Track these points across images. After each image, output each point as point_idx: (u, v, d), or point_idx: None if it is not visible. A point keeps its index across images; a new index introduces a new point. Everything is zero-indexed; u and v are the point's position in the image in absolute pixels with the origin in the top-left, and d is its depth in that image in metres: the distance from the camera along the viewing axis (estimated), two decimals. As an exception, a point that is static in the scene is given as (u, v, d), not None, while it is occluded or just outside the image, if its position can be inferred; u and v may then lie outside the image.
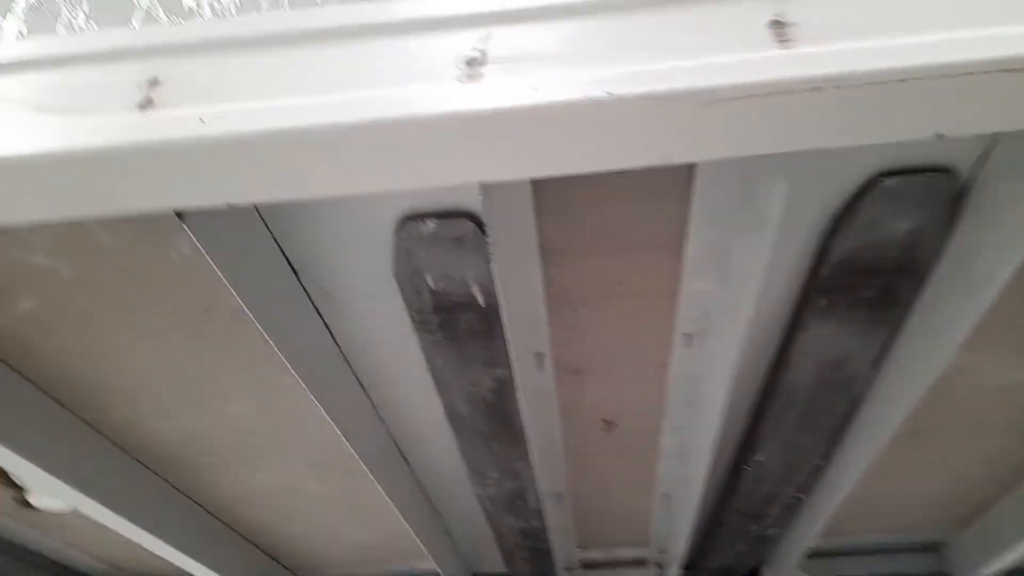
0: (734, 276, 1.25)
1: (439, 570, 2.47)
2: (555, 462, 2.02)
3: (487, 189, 1.11)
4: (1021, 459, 2.03)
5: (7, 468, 1.64)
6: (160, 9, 1.20)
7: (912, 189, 1.10)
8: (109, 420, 1.78)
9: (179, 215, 0.95)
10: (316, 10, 0.90)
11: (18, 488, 2.04)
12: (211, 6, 1.18)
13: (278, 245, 1.24)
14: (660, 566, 2.81)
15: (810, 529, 2.17)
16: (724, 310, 1.34)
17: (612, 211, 1.22)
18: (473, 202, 1.12)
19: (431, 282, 1.27)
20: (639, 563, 2.84)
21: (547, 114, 0.78)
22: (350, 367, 1.58)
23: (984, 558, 2.39)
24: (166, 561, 2.22)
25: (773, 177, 1.04)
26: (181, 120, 0.82)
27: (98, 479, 1.79)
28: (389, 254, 1.25)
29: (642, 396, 1.68)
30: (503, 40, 0.84)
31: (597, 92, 0.77)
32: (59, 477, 1.63)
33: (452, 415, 1.68)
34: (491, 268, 1.21)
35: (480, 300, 1.30)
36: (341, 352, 1.52)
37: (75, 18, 1.22)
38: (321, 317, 1.42)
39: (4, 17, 1.23)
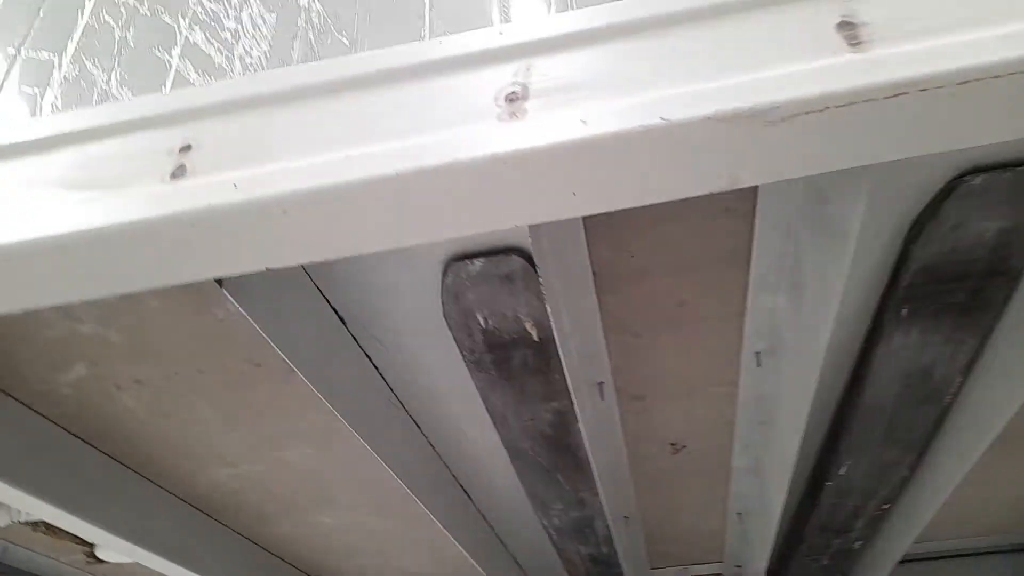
0: (808, 290, 1.16)
1: (508, 600, 2.41)
2: (622, 487, 1.95)
3: (535, 223, 1.05)
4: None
5: (74, 532, 1.64)
6: (191, 67, 1.18)
7: (1000, 186, 1.00)
8: (168, 473, 1.78)
9: (218, 281, 0.92)
10: (347, 58, 0.86)
11: (88, 544, 2.06)
12: (241, 60, 1.16)
13: (324, 296, 1.21)
14: (737, 582, 2.70)
15: (901, 541, 2.04)
16: (797, 326, 1.25)
17: (669, 231, 1.14)
18: (521, 237, 1.06)
19: (482, 321, 1.21)
20: (715, 579, 2.73)
21: (598, 148, 0.72)
22: (405, 409, 1.53)
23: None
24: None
25: (849, 187, 0.95)
26: (214, 187, 0.78)
27: (160, 532, 1.79)
28: (437, 296, 1.20)
29: (710, 417, 1.59)
30: (544, 71, 0.78)
31: (651, 119, 0.71)
32: (121, 536, 1.62)
33: (512, 450, 1.62)
34: (544, 302, 1.15)
35: (534, 335, 1.24)
36: (395, 395, 1.48)
37: (109, 85, 1.21)
38: (372, 363, 1.38)
39: (42, 92, 1.23)
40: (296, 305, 1.15)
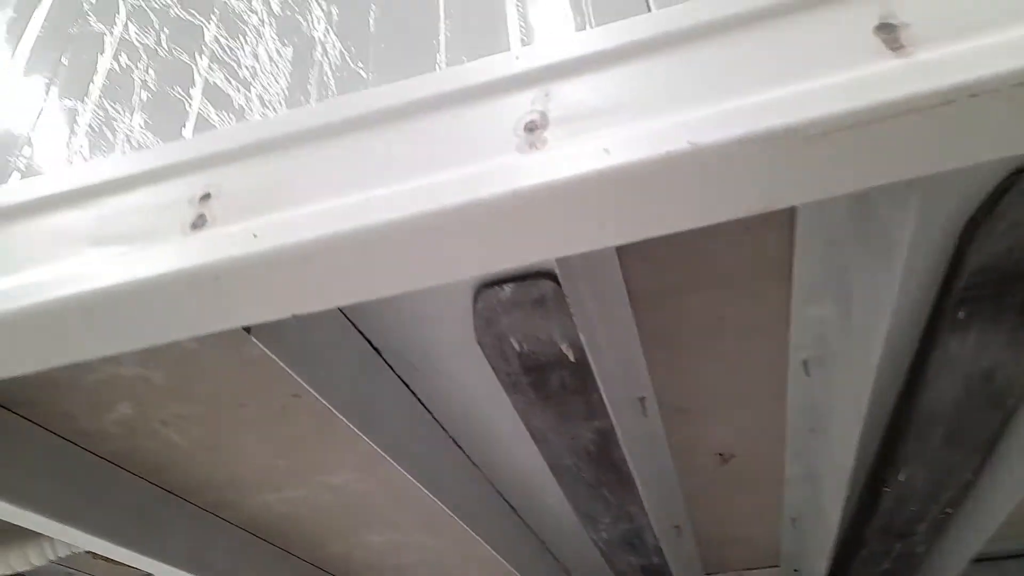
0: (856, 298, 1.10)
1: (560, 612, 2.38)
2: (671, 498, 1.90)
3: (564, 246, 1.02)
4: None
5: (131, 564, 1.67)
6: (211, 108, 1.18)
7: (1060, 179, 0.93)
8: (218, 501, 1.80)
9: (246, 329, 0.91)
10: (360, 95, 0.84)
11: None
12: (260, 98, 1.15)
13: (357, 329, 1.20)
14: (796, 585, 2.63)
15: (968, 544, 1.95)
16: (846, 334, 1.19)
17: (704, 244, 1.10)
18: (549, 261, 1.03)
19: (517, 345, 1.19)
20: (772, 583, 2.66)
21: (622, 178, 0.68)
22: (446, 431, 1.52)
23: None
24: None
25: (898, 191, 0.89)
26: (234, 237, 0.77)
27: (215, 559, 1.81)
28: (470, 321, 1.17)
29: (758, 426, 1.54)
30: (563, 97, 0.75)
31: (678, 144, 0.67)
32: (177, 566, 1.65)
33: (555, 468, 1.59)
34: (576, 324, 1.12)
35: (570, 356, 1.21)
36: (435, 419, 1.47)
37: (131, 130, 1.21)
38: (410, 389, 1.37)
39: (68, 141, 1.25)
40: (329, 339, 1.15)
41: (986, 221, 0.97)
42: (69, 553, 1.62)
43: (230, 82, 1.25)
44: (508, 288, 1.08)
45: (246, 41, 1.33)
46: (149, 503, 1.61)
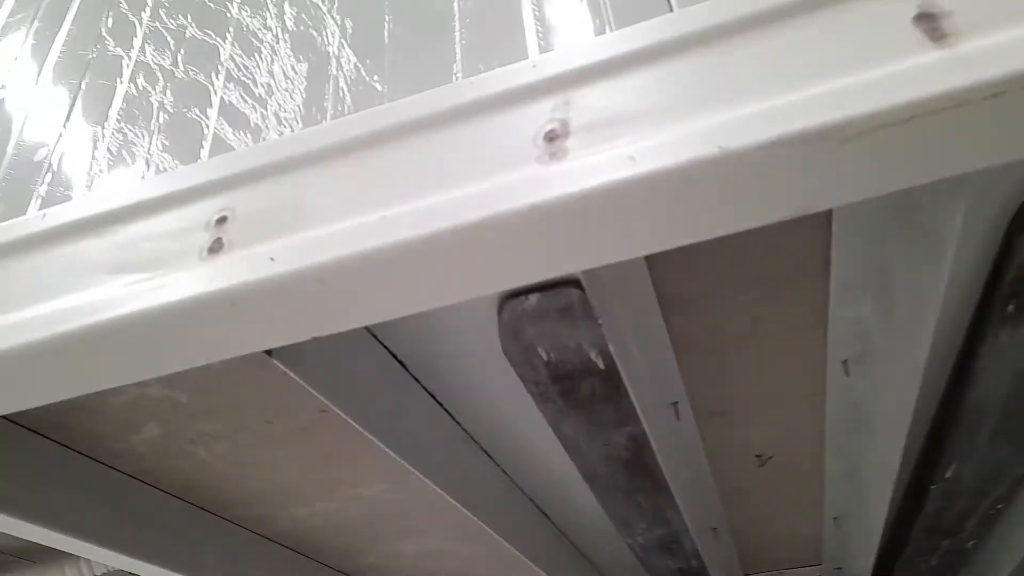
0: (899, 295, 1.05)
1: (597, 616, 2.35)
2: (708, 501, 1.86)
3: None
4: None
5: (166, 581, 1.68)
6: (228, 128, 1.17)
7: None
8: (251, 516, 1.80)
9: (268, 352, 0.90)
10: (375, 111, 0.82)
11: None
12: (276, 115, 1.14)
13: (381, 343, 1.18)
14: (839, 584, 2.56)
15: (1020, 541, 1.88)
16: (889, 332, 1.14)
17: (736, 246, 1.06)
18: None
19: (544, 355, 1.16)
20: (814, 582, 2.60)
21: (649, 187, 0.65)
22: (476, 442, 1.50)
23: None
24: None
25: (945, 188, 0.84)
26: (250, 261, 0.75)
27: (244, 572, 1.81)
28: (495, 332, 1.15)
29: (797, 427, 1.49)
30: (584, 104, 0.72)
31: (707, 149, 0.63)
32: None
33: (588, 475, 1.56)
34: (604, 331, 1.09)
35: (599, 363, 1.18)
36: (464, 430, 1.45)
37: (150, 153, 1.21)
38: (437, 401, 1.35)
39: (88, 167, 1.25)
40: (354, 356, 1.13)
41: (1035, 211, 0.92)
42: (105, 571, 1.63)
43: (246, 100, 1.24)
44: (533, 298, 1.06)
45: (261, 59, 1.32)
46: (181, 521, 1.61)
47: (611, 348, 1.13)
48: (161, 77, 1.38)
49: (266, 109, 1.20)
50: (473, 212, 0.69)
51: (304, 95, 1.19)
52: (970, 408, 1.30)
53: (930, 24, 0.62)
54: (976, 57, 0.59)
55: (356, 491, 1.75)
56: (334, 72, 1.18)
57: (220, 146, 1.13)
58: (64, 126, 1.43)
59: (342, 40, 1.22)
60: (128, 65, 1.51)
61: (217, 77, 1.32)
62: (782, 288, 1.10)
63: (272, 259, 0.75)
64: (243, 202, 0.84)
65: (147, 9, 1.62)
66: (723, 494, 1.83)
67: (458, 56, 1.01)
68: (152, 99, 1.34)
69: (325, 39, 1.24)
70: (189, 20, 1.52)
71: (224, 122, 1.21)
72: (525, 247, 0.70)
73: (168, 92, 1.36)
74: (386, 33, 1.17)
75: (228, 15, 1.46)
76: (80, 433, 1.34)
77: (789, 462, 1.66)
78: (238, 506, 1.72)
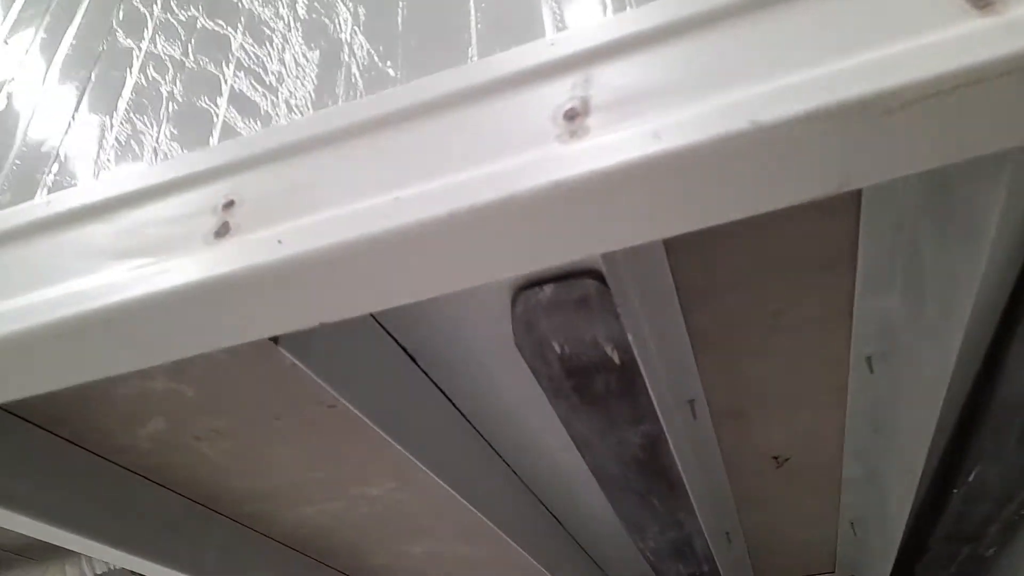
0: (929, 287, 1.01)
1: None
2: (723, 504, 1.82)
3: (607, 243, 0.96)
4: None
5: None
6: (238, 116, 1.14)
7: None
8: (258, 515, 1.77)
9: (274, 339, 0.87)
10: (388, 92, 0.79)
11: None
12: (287, 102, 1.11)
13: (390, 335, 1.15)
14: (854, 592, 2.51)
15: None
16: (917, 326, 1.10)
17: (758, 236, 1.03)
18: (593, 259, 0.97)
19: (559, 348, 1.13)
20: (828, 590, 2.55)
21: (676, 163, 0.62)
22: (486, 441, 1.47)
23: None
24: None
25: (986, 168, 0.81)
26: (258, 244, 0.73)
27: (248, 571, 1.78)
28: (508, 325, 1.12)
29: (816, 427, 1.45)
30: (605, 82, 0.69)
31: (738, 123, 0.60)
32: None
33: (601, 476, 1.52)
34: (622, 324, 1.05)
35: (615, 358, 1.15)
36: (474, 427, 1.42)
37: (158, 142, 1.19)
38: (447, 396, 1.32)
39: (95, 156, 1.23)
40: (362, 348, 1.10)
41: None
42: (106, 570, 1.61)
43: (256, 89, 1.21)
44: (548, 289, 1.03)
45: (272, 47, 1.29)
46: (185, 518, 1.58)
47: (629, 341, 1.09)
48: (171, 67, 1.36)
49: (277, 97, 1.18)
50: (490, 192, 0.66)
51: (316, 82, 1.16)
52: (999, 406, 1.26)
53: (973, -10, 0.59)
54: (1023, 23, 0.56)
55: (364, 490, 1.72)
56: (346, 59, 1.16)
57: (229, 134, 1.11)
58: (73, 117, 1.41)
59: (355, 27, 1.19)
60: (139, 56, 1.49)
61: (228, 67, 1.30)
62: (805, 280, 1.06)
63: (280, 242, 0.72)
64: (251, 186, 0.81)
65: (158, 1, 1.60)
66: (738, 497, 1.78)
67: (473, 40, 0.98)
68: (162, 89, 1.32)
69: (337, 26, 1.22)
70: (200, 11, 1.50)
71: (234, 110, 1.19)
72: (544, 228, 0.67)
73: (178, 82, 1.34)
74: (400, 19, 1.14)
75: (240, 5, 1.45)
76: (83, 428, 1.32)
77: (807, 464, 1.62)
78: (243, 504, 1.70)
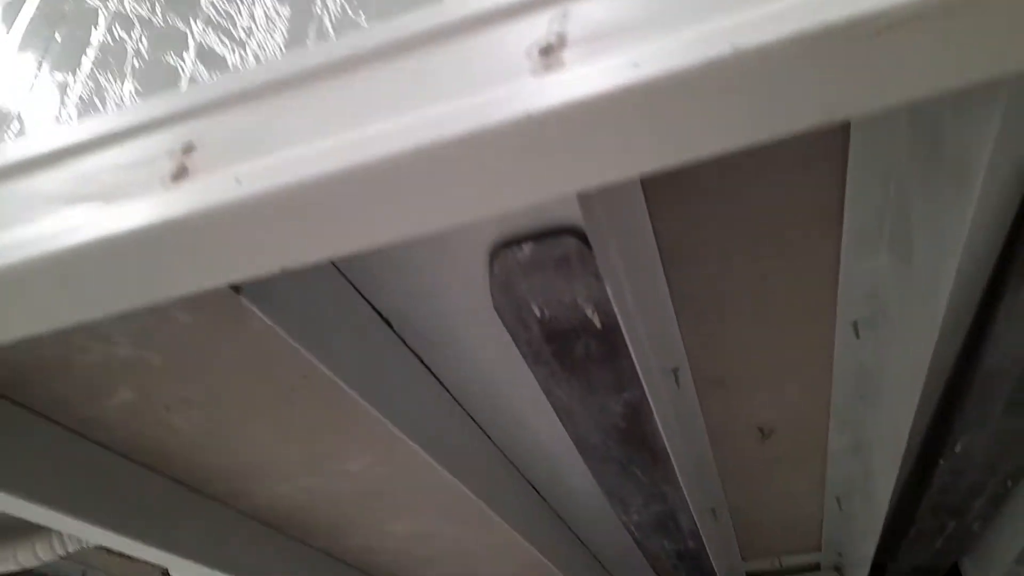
0: (918, 245, 0.99)
1: (591, 601, 2.29)
2: (707, 477, 1.80)
3: (587, 196, 0.92)
4: None
5: (142, 558, 1.62)
6: (204, 71, 1.10)
7: None
8: (232, 492, 1.73)
9: (235, 288, 0.83)
10: (358, 33, 0.75)
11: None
12: (256, 56, 1.07)
13: (365, 298, 1.11)
14: (839, 569, 2.51)
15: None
16: (904, 288, 1.08)
17: (741, 193, 1.00)
18: (573, 215, 0.94)
19: (538, 311, 1.10)
20: (813, 568, 2.55)
21: (654, 92, 0.59)
22: (464, 410, 1.43)
23: None
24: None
25: (975, 110, 0.77)
26: (215, 185, 0.69)
27: (232, 552, 1.75)
28: (486, 288, 1.09)
29: (802, 397, 1.43)
30: (583, 15, 0.65)
31: (718, 49, 0.57)
32: (191, 558, 1.59)
33: (582, 446, 1.50)
34: (604, 285, 1.02)
35: (596, 321, 1.12)
36: (452, 397, 1.38)
37: (122, 98, 1.14)
38: (425, 364, 1.29)
39: (57, 114, 1.18)
40: (335, 311, 1.06)
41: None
42: (78, 548, 1.56)
43: (224, 43, 1.17)
44: (527, 247, 0.99)
45: (243, 3, 1.25)
46: (157, 493, 1.54)
47: (610, 305, 1.06)
48: (138, 24, 1.32)
49: (245, 51, 1.13)
50: (457, 125, 0.63)
51: (287, 36, 1.12)
52: (985, 373, 1.24)
53: (968, -93, 0.55)
54: (1021, -62, 0.52)
55: (342, 465, 1.68)
56: (318, 12, 1.11)
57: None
58: (36, 76, 1.36)
59: (326, -22, 1.15)
60: (105, 16, 1.44)
61: (196, 22, 1.26)
62: (791, 240, 1.04)
63: (238, 181, 0.68)
64: (213, 130, 0.77)
65: (126, -39, 1.55)
66: (723, 471, 1.77)
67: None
68: (127, 47, 1.27)
69: (308, -22, 1.17)
70: (169, -32, 1.45)
71: (201, 66, 1.14)
72: (516, 164, 0.64)
73: (144, 40, 1.29)
74: (373, -32, 1.10)
75: (209, -38, 1.40)
76: (46, 396, 1.27)
77: (793, 436, 1.60)
78: (217, 480, 1.66)
